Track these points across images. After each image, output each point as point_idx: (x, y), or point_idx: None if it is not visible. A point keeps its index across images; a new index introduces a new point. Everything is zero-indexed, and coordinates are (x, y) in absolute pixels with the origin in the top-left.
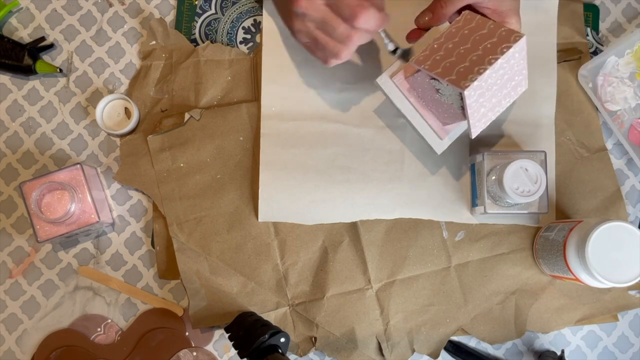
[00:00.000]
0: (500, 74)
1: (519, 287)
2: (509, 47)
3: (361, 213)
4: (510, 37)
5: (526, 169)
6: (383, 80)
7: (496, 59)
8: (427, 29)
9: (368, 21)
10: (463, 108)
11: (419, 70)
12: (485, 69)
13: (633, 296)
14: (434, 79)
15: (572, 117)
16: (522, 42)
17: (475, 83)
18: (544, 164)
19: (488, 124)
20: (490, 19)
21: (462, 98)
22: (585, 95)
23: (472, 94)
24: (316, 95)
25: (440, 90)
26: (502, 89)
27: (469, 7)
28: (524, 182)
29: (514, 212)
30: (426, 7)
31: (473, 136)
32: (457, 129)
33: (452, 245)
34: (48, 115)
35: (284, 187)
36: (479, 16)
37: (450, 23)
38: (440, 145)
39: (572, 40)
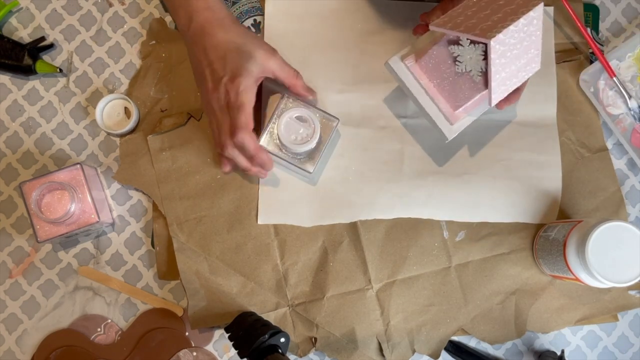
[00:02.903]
0: (520, 37)
1: (519, 287)
2: (527, 10)
3: (360, 213)
4: (529, 4)
5: (296, 118)
6: (394, 62)
7: (518, 18)
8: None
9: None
10: (482, 72)
11: (434, 45)
12: (509, 25)
13: (633, 296)
14: (455, 43)
15: (572, 117)
16: (539, 8)
17: (501, 35)
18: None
19: (506, 94)
20: None
21: (484, 58)
22: (585, 96)
23: (497, 47)
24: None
25: (458, 58)
26: (520, 58)
27: None
28: (298, 131)
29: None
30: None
31: (493, 103)
32: (470, 115)
33: (453, 245)
34: (48, 115)
35: (283, 188)
36: None
37: None
38: (450, 130)
39: (572, 40)
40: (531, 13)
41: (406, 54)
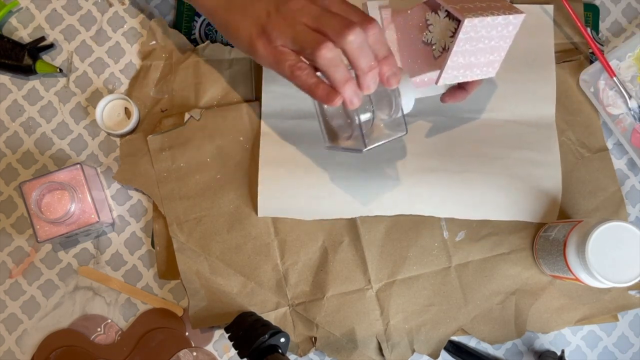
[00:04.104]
0: (492, 35)
1: (519, 287)
2: (510, 14)
3: (361, 209)
4: (512, 10)
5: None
6: (372, 7)
7: (498, 15)
8: None
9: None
10: (443, 49)
11: (415, 6)
12: (487, 15)
13: (633, 296)
14: (433, 11)
15: (572, 117)
16: (520, 18)
17: (476, 20)
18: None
19: (454, 82)
20: None
21: (452, 35)
22: (585, 96)
23: (468, 29)
24: None
25: (430, 27)
26: (482, 54)
27: None
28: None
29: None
30: None
31: (440, 82)
32: (417, 91)
33: (453, 245)
34: (48, 115)
35: (284, 183)
36: None
37: None
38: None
39: (572, 40)
40: (511, 17)
41: (385, 5)
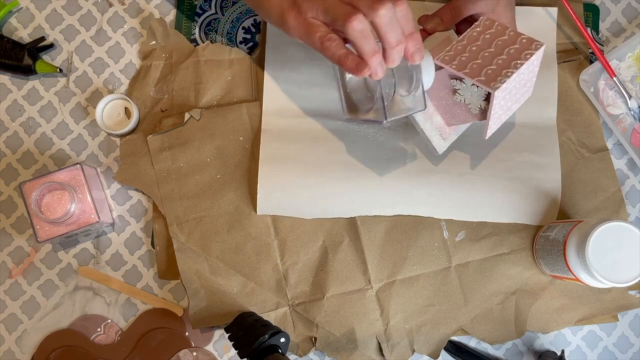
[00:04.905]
0: (520, 78)
1: (519, 287)
2: (531, 54)
3: (361, 209)
4: (532, 45)
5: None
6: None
7: (521, 64)
8: (431, 33)
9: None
10: (481, 109)
11: (438, 69)
12: (512, 72)
13: (633, 296)
14: (456, 78)
15: (572, 117)
16: (541, 51)
17: (504, 85)
18: None
19: (499, 126)
20: (508, 27)
21: (485, 99)
22: (585, 96)
23: (500, 95)
24: (318, 92)
25: (458, 91)
26: (517, 93)
27: (470, 17)
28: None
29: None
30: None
31: (487, 137)
32: (457, 131)
33: (453, 245)
34: (48, 115)
35: (283, 181)
36: (497, 22)
37: (455, 30)
38: (441, 145)
39: (572, 40)
40: (533, 58)
41: None
